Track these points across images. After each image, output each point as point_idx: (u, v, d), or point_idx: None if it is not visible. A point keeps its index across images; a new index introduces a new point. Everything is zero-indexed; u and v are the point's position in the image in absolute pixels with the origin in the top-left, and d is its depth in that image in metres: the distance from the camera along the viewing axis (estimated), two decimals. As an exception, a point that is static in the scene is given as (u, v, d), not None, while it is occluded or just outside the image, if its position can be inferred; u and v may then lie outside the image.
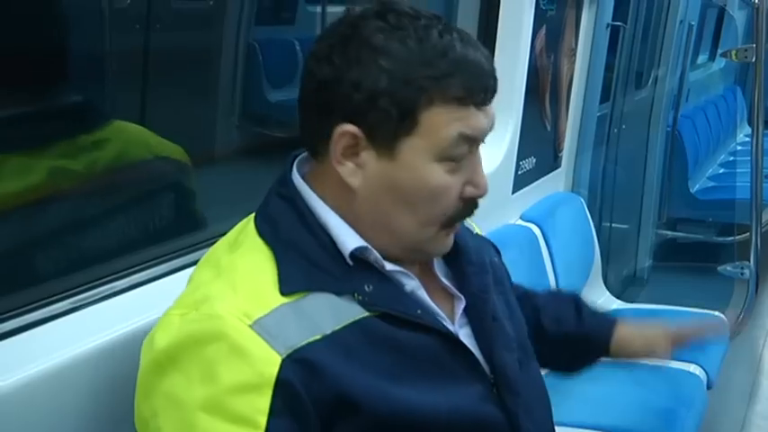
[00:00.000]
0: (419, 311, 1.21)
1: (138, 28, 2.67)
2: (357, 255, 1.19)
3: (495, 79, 1.19)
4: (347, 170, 1.18)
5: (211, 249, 1.27)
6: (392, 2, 1.18)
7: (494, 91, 1.19)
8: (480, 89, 1.17)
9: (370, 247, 1.19)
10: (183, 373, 1.09)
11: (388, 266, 1.21)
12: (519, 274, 2.71)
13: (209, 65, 2.97)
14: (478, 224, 1.64)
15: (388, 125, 1.15)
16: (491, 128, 1.21)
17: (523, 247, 2.89)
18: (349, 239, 1.19)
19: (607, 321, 1.70)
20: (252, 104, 3.22)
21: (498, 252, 1.51)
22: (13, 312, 1.29)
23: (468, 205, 1.23)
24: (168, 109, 2.36)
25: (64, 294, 1.38)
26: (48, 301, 1.35)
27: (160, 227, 1.76)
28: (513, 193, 2.90)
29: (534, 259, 2.95)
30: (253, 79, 3.33)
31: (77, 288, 1.41)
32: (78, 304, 1.38)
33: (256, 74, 3.42)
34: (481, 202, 1.76)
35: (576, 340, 1.67)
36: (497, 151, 2.75)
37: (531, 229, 2.97)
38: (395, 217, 1.20)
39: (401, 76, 1.13)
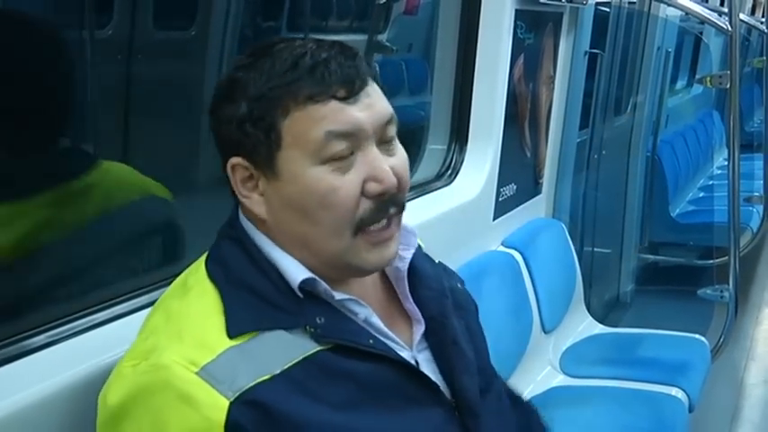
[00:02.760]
0: (371, 341, 1.21)
1: (120, 59, 2.68)
2: (306, 288, 1.19)
3: (360, 72, 1.18)
4: (253, 202, 1.21)
5: (164, 293, 1.27)
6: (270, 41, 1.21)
7: (363, 83, 1.18)
8: (338, 82, 1.16)
9: (317, 278, 1.20)
10: (134, 425, 1.11)
11: (338, 296, 1.21)
12: (501, 301, 2.76)
13: (192, 95, 2.98)
14: (459, 251, 1.66)
15: (261, 146, 1.18)
16: (379, 120, 1.19)
17: (505, 274, 2.91)
18: (295, 272, 1.20)
19: None
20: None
21: (461, 281, 1.50)
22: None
23: (380, 203, 1.20)
24: (152, 142, 2.37)
25: (40, 329, 1.38)
26: (23, 335, 1.35)
27: (146, 266, 1.78)
28: (494, 219, 2.91)
29: (516, 285, 2.96)
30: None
31: (54, 322, 1.40)
32: (55, 338, 1.38)
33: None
34: (462, 229, 1.78)
35: None
36: (478, 178, 2.78)
37: (512, 256, 2.99)
38: (304, 232, 1.20)
39: (254, 96, 1.17)
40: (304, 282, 1.19)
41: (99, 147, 1.96)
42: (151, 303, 1.52)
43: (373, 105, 1.19)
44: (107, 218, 1.68)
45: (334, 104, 1.16)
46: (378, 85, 1.23)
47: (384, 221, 1.21)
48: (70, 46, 2.08)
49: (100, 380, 1.23)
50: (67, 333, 1.41)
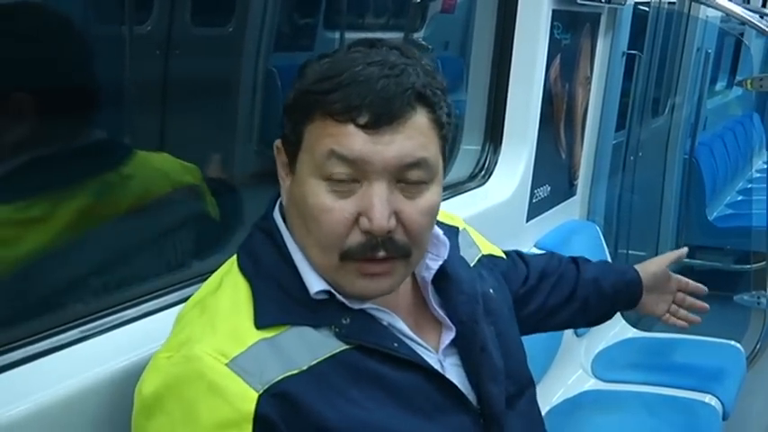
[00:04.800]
0: (395, 344, 1.21)
1: (159, 54, 2.71)
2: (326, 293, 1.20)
3: (398, 102, 1.13)
4: (283, 187, 1.23)
5: (200, 288, 1.29)
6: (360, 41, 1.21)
7: (389, 117, 1.13)
8: (364, 109, 1.12)
9: (332, 290, 1.20)
10: (166, 416, 1.12)
11: (356, 306, 1.21)
12: (532, 303, 2.73)
13: (229, 91, 3.00)
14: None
15: (289, 141, 1.20)
16: (391, 157, 1.14)
17: (537, 276, 2.88)
18: (312, 282, 1.20)
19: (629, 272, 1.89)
20: (271, 129, 3.25)
21: (494, 287, 1.48)
22: (23, 341, 1.31)
23: (370, 240, 1.16)
24: (189, 135, 2.39)
25: (74, 323, 1.39)
26: (57, 330, 1.36)
27: (179, 256, 1.79)
28: (527, 221, 2.89)
29: (548, 287, 2.94)
30: (272, 104, 3.36)
31: (87, 317, 1.42)
32: (88, 333, 1.40)
33: (275, 99, 3.46)
34: (495, 230, 1.77)
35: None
36: (511, 179, 2.76)
37: (545, 258, 2.96)
38: (303, 236, 1.20)
39: (299, 91, 1.18)
40: (318, 292, 1.20)
41: (137, 139, 1.98)
42: (185, 299, 1.55)
43: (395, 143, 1.14)
44: (143, 210, 1.70)
45: (350, 128, 1.13)
46: (435, 120, 1.18)
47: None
48: (109, 41, 2.10)
49: (134, 374, 1.25)
50: (103, 327, 1.43)
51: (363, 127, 1.13)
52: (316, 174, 1.16)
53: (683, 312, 1.95)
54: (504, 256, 1.64)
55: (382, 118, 1.13)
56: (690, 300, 1.94)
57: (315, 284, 1.20)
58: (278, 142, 1.24)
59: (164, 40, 2.75)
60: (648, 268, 1.90)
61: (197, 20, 3.16)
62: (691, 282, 1.95)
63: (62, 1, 1.87)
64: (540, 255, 1.86)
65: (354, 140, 1.13)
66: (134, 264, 1.71)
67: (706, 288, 1.95)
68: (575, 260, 1.84)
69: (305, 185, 1.17)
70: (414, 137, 1.15)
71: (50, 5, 1.74)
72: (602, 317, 1.89)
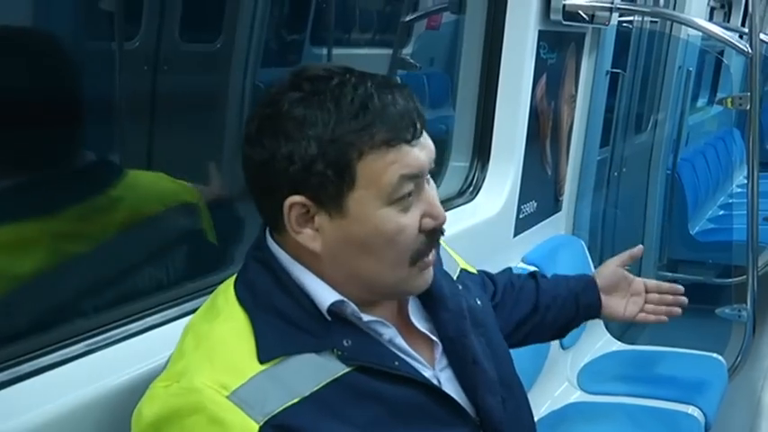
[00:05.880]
0: (397, 363, 1.24)
1: (147, 70, 2.73)
2: (334, 310, 1.22)
3: (419, 112, 1.22)
4: (306, 237, 1.22)
5: (194, 316, 1.30)
6: (304, 68, 1.22)
7: (422, 124, 1.22)
8: (406, 127, 1.20)
9: (346, 300, 1.23)
10: None
11: (366, 318, 1.24)
12: (519, 317, 2.77)
13: (216, 106, 3.02)
14: (479, 267, 1.71)
15: (330, 186, 1.19)
16: (431, 158, 1.24)
17: (524, 290, 2.92)
18: (325, 295, 1.23)
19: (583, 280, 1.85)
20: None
21: (480, 297, 1.53)
22: (30, 355, 1.33)
23: (431, 236, 1.26)
24: (176, 151, 2.41)
25: (79, 337, 1.41)
26: (63, 344, 1.38)
27: (174, 275, 1.80)
28: (514, 236, 2.94)
29: (535, 301, 2.98)
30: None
31: (92, 331, 1.44)
32: (93, 347, 1.42)
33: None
34: (483, 245, 1.81)
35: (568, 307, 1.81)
36: (499, 196, 2.81)
37: (531, 272, 3.01)
38: (363, 268, 1.23)
39: (327, 138, 1.17)
40: (333, 304, 1.22)
41: (126, 158, 1.99)
42: (181, 315, 1.57)
43: (428, 144, 1.24)
44: (132, 231, 1.70)
45: (404, 148, 1.20)
46: None
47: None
48: (97, 56, 2.12)
49: (132, 390, 1.27)
50: (100, 344, 1.45)
51: (410, 141, 1.20)
52: (385, 202, 1.20)
53: (662, 308, 1.88)
54: (475, 272, 1.67)
55: (417, 128, 1.21)
56: (665, 309, 1.87)
57: (328, 297, 1.23)
58: (296, 199, 1.20)
59: (152, 55, 2.77)
60: (602, 272, 1.87)
61: (185, 36, 3.19)
62: (663, 283, 1.88)
63: (49, 17, 1.89)
64: (500, 272, 1.86)
65: (412, 156, 1.21)
66: (125, 281, 1.72)
67: (681, 287, 1.87)
68: (532, 275, 1.86)
69: (374, 218, 1.20)
70: (426, 133, 1.25)
71: (37, 23, 1.75)
72: (566, 325, 1.85)
